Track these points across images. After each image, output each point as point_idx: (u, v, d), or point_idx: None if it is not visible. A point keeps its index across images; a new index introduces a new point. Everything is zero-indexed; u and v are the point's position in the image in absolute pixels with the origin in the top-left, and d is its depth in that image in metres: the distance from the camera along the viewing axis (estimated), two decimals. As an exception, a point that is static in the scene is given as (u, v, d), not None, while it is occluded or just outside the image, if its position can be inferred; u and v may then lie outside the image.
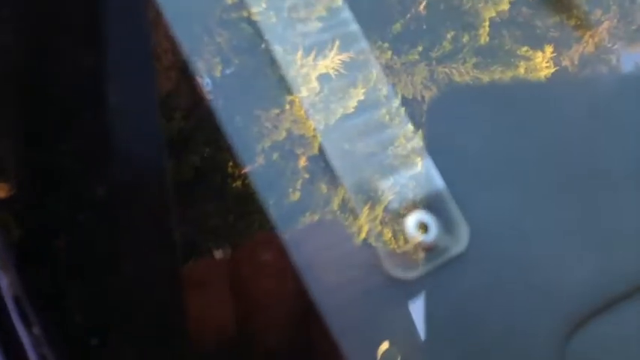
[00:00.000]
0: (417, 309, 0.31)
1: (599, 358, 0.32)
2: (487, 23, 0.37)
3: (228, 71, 0.31)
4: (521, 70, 0.37)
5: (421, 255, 0.31)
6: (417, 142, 0.32)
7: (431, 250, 0.31)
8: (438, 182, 0.32)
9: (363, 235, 0.31)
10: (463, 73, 0.35)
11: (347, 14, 0.34)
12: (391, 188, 0.32)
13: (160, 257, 0.32)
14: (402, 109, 0.33)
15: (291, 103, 0.32)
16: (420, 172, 0.32)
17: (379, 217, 0.31)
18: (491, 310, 0.32)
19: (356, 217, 0.31)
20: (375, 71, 0.33)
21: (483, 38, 0.36)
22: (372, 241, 0.31)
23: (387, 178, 0.32)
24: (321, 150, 0.31)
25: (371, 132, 0.32)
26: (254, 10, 0.32)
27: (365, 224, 0.31)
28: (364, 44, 0.33)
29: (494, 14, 0.37)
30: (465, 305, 0.31)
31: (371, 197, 0.31)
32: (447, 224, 0.31)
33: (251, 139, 0.31)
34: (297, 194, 0.30)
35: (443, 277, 0.31)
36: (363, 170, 0.32)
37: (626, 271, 0.33)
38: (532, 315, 0.32)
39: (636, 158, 0.35)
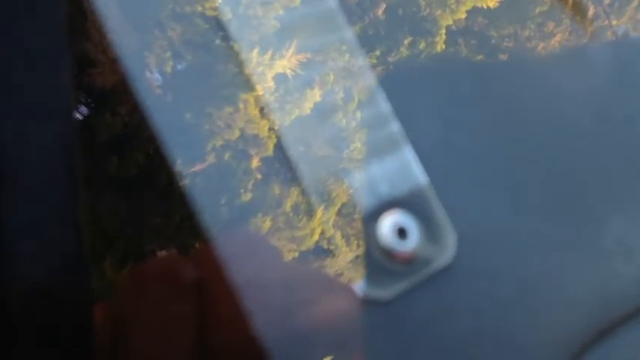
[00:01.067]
0: (393, 335, 0.24)
1: None
2: (444, 31, 0.37)
3: (179, 67, 0.30)
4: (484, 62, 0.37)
5: (398, 267, 0.25)
6: (390, 129, 0.27)
7: (410, 260, 0.25)
8: (419, 177, 0.26)
9: (313, 239, 0.28)
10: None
11: (305, 14, 0.33)
12: (355, 184, 0.26)
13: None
14: (359, 113, 0.32)
15: (246, 102, 0.31)
16: (397, 165, 0.26)
17: (332, 219, 0.28)
18: (481, 335, 0.26)
19: (310, 219, 0.29)
20: (333, 73, 0.32)
21: (439, 46, 0.36)
22: (331, 249, 0.26)
23: (350, 173, 0.27)
24: (275, 151, 0.30)
25: (326, 134, 0.32)
26: (209, 4, 0.31)
27: (317, 227, 0.30)
28: (322, 46, 0.33)
29: (450, 22, 0.37)
30: (450, 329, 0.25)
31: (328, 196, 0.28)
32: (429, 229, 0.26)
33: (202, 137, 0.30)
34: (249, 195, 0.30)
35: (425, 295, 0.25)
36: (319, 168, 0.29)
37: (629, 287, 0.29)
38: (527, 341, 0.26)
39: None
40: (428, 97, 0.30)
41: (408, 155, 0.26)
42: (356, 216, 0.26)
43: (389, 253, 0.25)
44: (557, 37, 0.37)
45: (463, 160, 0.28)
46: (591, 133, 0.31)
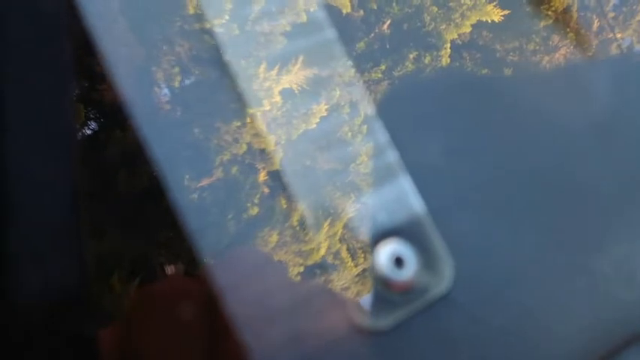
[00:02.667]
0: None
1: None
2: (449, 45, 0.37)
3: (187, 82, 0.30)
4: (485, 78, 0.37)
5: (396, 296, 0.24)
6: (389, 158, 0.28)
7: (408, 289, 0.25)
8: (417, 206, 0.26)
9: (320, 253, 0.28)
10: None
11: (312, 30, 0.33)
12: (355, 211, 0.26)
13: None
14: (365, 127, 0.32)
15: (253, 116, 0.31)
16: (394, 194, 0.26)
17: (339, 233, 0.28)
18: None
19: (316, 233, 0.29)
20: (339, 88, 0.33)
21: (445, 60, 0.37)
22: (337, 263, 0.26)
23: (348, 203, 0.26)
24: (282, 165, 0.30)
25: (332, 148, 0.32)
26: (216, 21, 0.31)
27: (324, 242, 0.30)
28: (329, 61, 0.33)
29: (455, 36, 0.37)
30: (447, 355, 0.25)
31: (335, 210, 0.28)
32: (426, 258, 0.25)
33: (210, 151, 0.30)
34: (256, 209, 0.30)
35: (422, 325, 0.24)
36: (322, 189, 0.29)
37: (631, 313, 0.28)
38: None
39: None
40: (427, 121, 0.29)
41: (406, 184, 0.26)
42: (370, 241, 0.26)
43: (386, 283, 0.24)
44: (562, 51, 0.38)
45: (462, 187, 0.28)
46: (592, 156, 0.30)
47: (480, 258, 0.26)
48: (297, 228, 0.29)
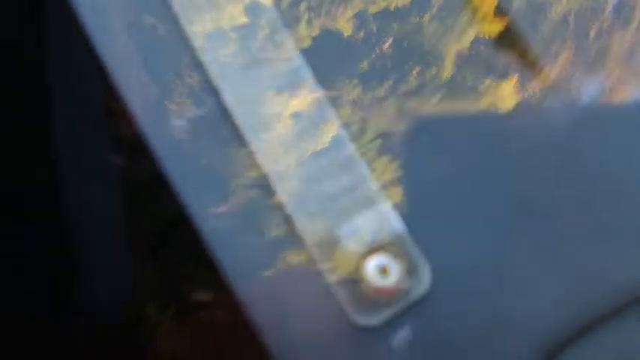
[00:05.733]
0: (382, 357, 0.30)
1: None
2: (451, 59, 0.38)
3: (201, 112, 0.31)
4: (486, 103, 0.38)
5: (383, 299, 0.31)
6: (370, 187, 0.32)
7: (393, 293, 0.31)
8: (397, 226, 0.32)
9: (346, 269, 0.30)
10: (430, 106, 0.36)
11: (316, 54, 0.34)
12: (351, 231, 0.32)
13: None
14: (376, 142, 0.33)
15: (266, 140, 0.32)
16: (377, 217, 0.32)
17: (341, 263, 0.31)
18: (461, 352, 0.31)
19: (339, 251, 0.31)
20: (348, 106, 0.34)
21: (447, 72, 0.38)
22: (335, 287, 0.30)
23: (339, 226, 0.32)
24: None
25: (335, 173, 0.33)
26: (223, 52, 0.32)
27: (348, 258, 0.30)
28: (335, 82, 0.34)
29: (456, 51, 0.38)
30: (433, 348, 0.31)
31: (330, 242, 0.32)
32: (407, 266, 0.31)
33: (225, 177, 0.31)
34: (276, 231, 0.30)
35: (408, 320, 0.31)
36: (323, 213, 0.32)
37: (599, 295, 0.33)
38: (507, 349, 0.31)
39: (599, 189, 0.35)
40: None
41: (386, 208, 0.32)
42: (362, 256, 0.31)
43: (374, 289, 0.31)
44: (564, 57, 0.38)
45: (432, 196, 0.33)
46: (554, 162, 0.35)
47: (456, 260, 0.32)
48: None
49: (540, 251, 0.33)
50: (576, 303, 0.31)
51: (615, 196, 0.34)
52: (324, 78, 0.34)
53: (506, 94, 0.38)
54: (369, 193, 0.32)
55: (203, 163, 0.31)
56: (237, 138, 0.31)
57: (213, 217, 0.30)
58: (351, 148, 0.33)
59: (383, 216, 0.32)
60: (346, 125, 0.33)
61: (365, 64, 0.36)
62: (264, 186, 0.31)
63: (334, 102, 0.33)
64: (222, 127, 0.31)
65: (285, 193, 0.31)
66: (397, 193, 0.32)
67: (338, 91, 0.34)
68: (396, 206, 0.32)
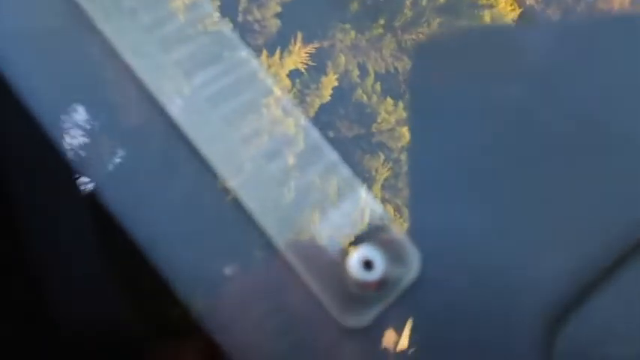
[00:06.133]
0: (378, 354, 0.27)
1: (587, 352, 0.28)
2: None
3: (196, 85, 0.31)
4: (487, 19, 0.36)
5: (371, 295, 0.27)
6: (343, 174, 0.30)
7: (381, 286, 0.27)
8: (376, 211, 0.29)
9: (365, 221, 0.29)
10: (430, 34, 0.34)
11: (303, 4, 0.33)
12: (321, 230, 0.29)
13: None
14: (378, 85, 0.32)
15: (267, 105, 0.31)
16: (354, 206, 0.29)
17: (379, 195, 0.30)
18: (460, 329, 0.28)
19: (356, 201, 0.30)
20: (343, 55, 0.33)
21: (442, -4, 0.36)
22: (317, 290, 0.27)
23: (315, 222, 0.29)
24: (306, 143, 0.30)
25: (351, 113, 0.32)
26: (208, 20, 0.32)
27: (366, 207, 0.30)
28: (327, 30, 0.33)
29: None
30: (431, 332, 0.28)
31: (369, 173, 0.30)
32: (393, 253, 0.28)
33: (235, 147, 0.30)
34: (292, 193, 0.30)
35: (401, 311, 0.27)
36: (353, 147, 0.30)
37: (596, 254, 0.29)
38: (506, 321, 0.28)
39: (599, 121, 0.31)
40: None
41: (363, 194, 0.29)
42: (342, 251, 0.28)
43: (360, 285, 0.27)
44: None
45: (421, 175, 0.30)
46: (535, 114, 0.31)
47: (443, 236, 0.29)
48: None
49: (535, 209, 0.29)
50: (577, 261, 0.28)
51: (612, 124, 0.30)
52: (315, 28, 0.33)
53: (506, 6, 0.37)
54: (344, 181, 0.29)
55: (210, 135, 0.30)
56: (237, 107, 0.31)
57: (231, 187, 0.31)
58: (317, 137, 0.30)
59: (361, 203, 0.29)
60: (345, 73, 0.32)
61: (355, 5, 0.34)
62: (274, 150, 0.31)
63: (330, 52, 0.33)
64: (220, 98, 0.31)
65: (247, 195, 0.29)
66: (405, 134, 0.32)
67: (331, 39, 0.33)
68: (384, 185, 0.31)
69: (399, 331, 0.27)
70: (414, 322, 0.27)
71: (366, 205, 0.29)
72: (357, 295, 0.27)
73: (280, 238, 0.28)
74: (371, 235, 0.28)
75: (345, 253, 0.28)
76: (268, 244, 0.28)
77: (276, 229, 0.28)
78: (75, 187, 0.29)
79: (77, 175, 0.29)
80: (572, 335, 0.27)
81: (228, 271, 0.29)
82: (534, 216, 0.29)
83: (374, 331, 0.27)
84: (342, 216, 0.29)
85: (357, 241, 0.28)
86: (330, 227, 0.28)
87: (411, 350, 0.27)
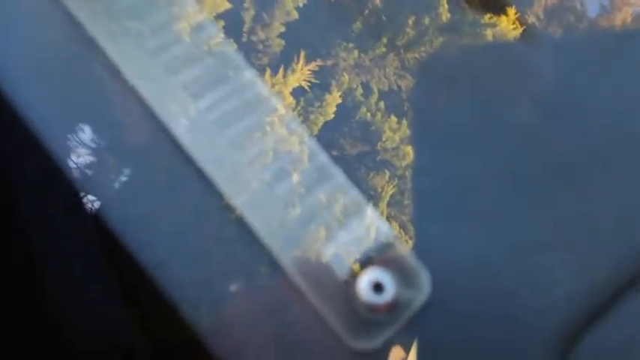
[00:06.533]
0: None
1: None
2: (445, 0, 0.37)
3: (202, 106, 0.31)
4: (490, 38, 0.36)
5: (381, 318, 0.27)
6: (351, 195, 0.29)
7: (391, 309, 0.27)
8: (385, 232, 0.29)
9: (371, 237, 0.29)
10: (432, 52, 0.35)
11: (306, 24, 0.34)
12: (328, 254, 0.28)
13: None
14: (382, 103, 0.33)
15: (271, 124, 0.32)
16: (363, 227, 0.29)
17: (385, 213, 0.30)
18: (472, 352, 0.27)
19: (362, 219, 0.30)
20: (346, 73, 0.33)
21: (444, 16, 0.36)
22: (327, 314, 0.27)
23: (322, 245, 0.28)
24: (310, 161, 0.31)
25: (355, 131, 0.32)
26: (213, 41, 0.32)
27: (372, 225, 0.30)
28: (331, 49, 0.33)
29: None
30: (443, 355, 0.28)
31: (375, 191, 0.30)
32: (403, 276, 0.28)
33: (240, 166, 0.30)
34: (298, 210, 0.30)
35: (412, 333, 0.27)
36: (358, 165, 0.30)
37: (605, 277, 0.28)
38: (517, 345, 0.28)
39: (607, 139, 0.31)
40: None
41: (371, 215, 0.29)
42: (351, 274, 0.28)
43: (371, 308, 0.27)
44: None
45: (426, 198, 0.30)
46: (541, 133, 0.31)
47: (452, 257, 0.28)
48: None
49: (545, 230, 0.29)
50: (588, 284, 0.28)
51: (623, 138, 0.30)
52: (319, 47, 0.33)
53: (509, 24, 0.37)
54: (350, 199, 0.29)
55: (216, 155, 0.31)
56: (242, 126, 0.31)
57: (236, 206, 0.31)
58: (323, 157, 0.30)
59: (369, 225, 0.29)
60: (349, 91, 0.33)
61: (358, 24, 0.35)
62: (279, 169, 0.31)
63: (333, 70, 0.33)
64: (226, 118, 0.31)
65: (253, 214, 0.29)
66: (409, 152, 0.32)
67: (335, 58, 0.33)
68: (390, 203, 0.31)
69: (408, 355, 0.27)
70: (424, 345, 0.27)
71: (372, 223, 0.29)
72: (366, 317, 0.27)
73: (286, 258, 0.28)
74: (379, 254, 0.28)
75: (354, 275, 0.27)
76: (274, 264, 0.28)
77: (281, 248, 0.28)
78: (80, 206, 0.29)
79: (83, 194, 0.30)
80: (584, 358, 0.27)
81: (233, 291, 0.29)
82: (543, 237, 0.29)
83: (383, 355, 0.27)
84: (348, 234, 0.28)
85: (366, 262, 0.28)
86: (337, 245, 0.28)
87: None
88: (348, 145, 0.32)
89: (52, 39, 0.31)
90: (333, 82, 0.33)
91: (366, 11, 0.36)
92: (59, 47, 0.31)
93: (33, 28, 0.31)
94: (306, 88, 0.32)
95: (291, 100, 0.32)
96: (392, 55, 0.35)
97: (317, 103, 0.32)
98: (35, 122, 0.29)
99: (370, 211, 0.29)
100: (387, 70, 0.34)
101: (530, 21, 0.37)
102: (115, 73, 0.30)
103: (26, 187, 0.30)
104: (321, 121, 0.32)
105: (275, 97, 0.31)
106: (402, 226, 0.31)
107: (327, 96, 0.32)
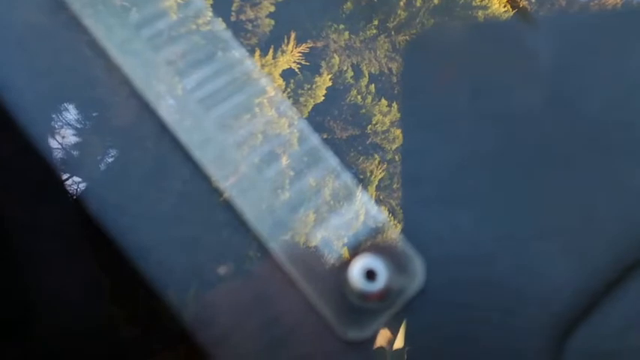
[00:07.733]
0: None
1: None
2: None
3: (189, 86, 0.30)
4: (481, 20, 0.36)
5: (374, 305, 0.26)
6: (343, 179, 0.29)
7: (384, 297, 0.26)
8: (377, 218, 0.28)
9: (360, 220, 0.29)
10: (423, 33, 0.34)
11: (296, 4, 0.33)
12: (319, 240, 0.28)
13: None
14: (372, 86, 0.32)
15: (260, 105, 0.31)
16: (354, 212, 0.28)
17: (374, 196, 0.30)
18: (467, 341, 0.27)
19: (351, 203, 0.29)
20: (337, 55, 0.32)
21: (436, -4, 0.36)
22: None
23: (313, 231, 0.28)
24: (300, 144, 0.30)
25: (345, 114, 0.32)
26: (201, 20, 0.31)
27: (361, 208, 0.30)
28: (321, 30, 0.33)
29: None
30: (437, 344, 0.27)
31: (364, 174, 0.29)
32: (396, 262, 0.27)
33: (229, 149, 0.30)
34: (287, 194, 0.30)
35: (406, 322, 0.27)
36: (349, 148, 0.30)
37: (602, 265, 0.28)
38: (513, 334, 0.27)
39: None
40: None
41: (363, 199, 0.28)
42: (342, 261, 0.27)
43: (363, 296, 0.26)
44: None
45: (422, 182, 0.29)
46: (542, 119, 0.30)
47: (446, 245, 0.27)
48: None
49: (545, 213, 0.28)
50: (585, 272, 0.27)
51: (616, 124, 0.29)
52: (309, 28, 0.32)
53: (500, 7, 0.37)
54: (340, 182, 0.28)
55: (203, 137, 0.30)
56: (231, 107, 0.31)
57: (225, 189, 0.30)
58: (314, 140, 0.29)
59: (359, 209, 0.28)
60: (339, 73, 0.32)
61: (349, 5, 0.34)
62: (268, 152, 0.30)
63: (324, 52, 0.32)
64: (213, 98, 0.31)
65: (241, 198, 0.28)
66: (399, 135, 0.32)
67: (325, 39, 0.32)
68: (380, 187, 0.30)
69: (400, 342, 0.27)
70: (417, 333, 0.26)
71: (362, 207, 0.28)
72: (358, 306, 0.26)
73: (275, 242, 0.27)
74: (369, 239, 0.27)
75: (344, 261, 0.26)
76: (263, 249, 0.27)
77: (270, 232, 0.28)
78: (64, 190, 0.29)
79: (67, 176, 0.29)
80: (580, 348, 0.27)
81: (220, 278, 0.29)
82: (539, 224, 0.28)
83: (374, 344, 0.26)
84: (338, 218, 0.28)
85: (356, 247, 0.27)
86: (326, 230, 0.27)
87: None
88: (338, 129, 0.32)
89: (32, 14, 0.30)
90: (323, 64, 0.32)
91: (357, -8, 0.35)
92: (39, 23, 0.30)
93: (13, 6, 0.30)
94: (296, 70, 0.32)
95: (280, 81, 0.31)
96: (383, 36, 0.34)
97: (307, 85, 0.32)
98: (15, 101, 0.28)
99: (360, 194, 0.28)
100: (378, 52, 0.34)
101: (521, 4, 0.37)
102: (99, 50, 0.30)
103: (6, 171, 0.29)
104: (311, 103, 0.32)
105: (265, 78, 0.31)
106: (391, 211, 0.31)
107: (317, 78, 0.32)
